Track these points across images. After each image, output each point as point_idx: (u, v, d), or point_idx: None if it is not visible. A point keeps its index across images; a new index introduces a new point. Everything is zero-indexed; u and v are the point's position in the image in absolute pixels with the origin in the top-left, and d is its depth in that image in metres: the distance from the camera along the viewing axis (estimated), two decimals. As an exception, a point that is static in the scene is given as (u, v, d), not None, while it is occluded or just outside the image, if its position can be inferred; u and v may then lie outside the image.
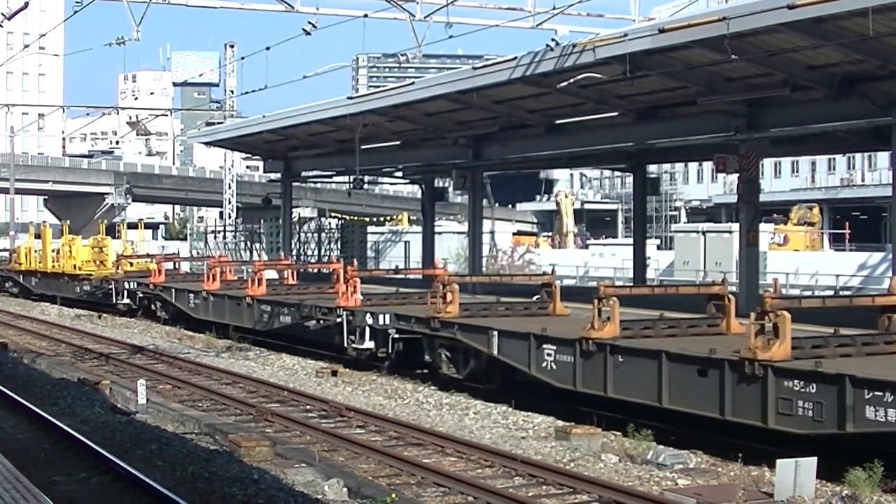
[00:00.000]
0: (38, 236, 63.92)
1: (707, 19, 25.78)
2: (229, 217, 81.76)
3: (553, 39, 30.29)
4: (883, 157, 79.19)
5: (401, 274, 47.94)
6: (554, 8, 29.95)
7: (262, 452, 18.42)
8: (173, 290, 43.83)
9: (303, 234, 74.22)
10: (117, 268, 51.25)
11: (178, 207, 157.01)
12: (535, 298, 29.38)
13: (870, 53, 25.98)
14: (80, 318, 47.53)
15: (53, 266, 58.46)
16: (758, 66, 28.18)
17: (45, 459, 18.02)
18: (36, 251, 62.02)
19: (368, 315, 29.55)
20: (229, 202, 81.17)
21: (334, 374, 29.24)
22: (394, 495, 15.56)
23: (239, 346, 35.54)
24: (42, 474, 16.41)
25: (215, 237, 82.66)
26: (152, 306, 45.93)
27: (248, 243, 74.82)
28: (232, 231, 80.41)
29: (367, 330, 29.46)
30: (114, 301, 48.29)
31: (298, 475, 16.94)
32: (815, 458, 16.22)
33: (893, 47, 25.55)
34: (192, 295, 41.87)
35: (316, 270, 53.24)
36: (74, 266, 56.05)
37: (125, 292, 47.92)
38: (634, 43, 27.70)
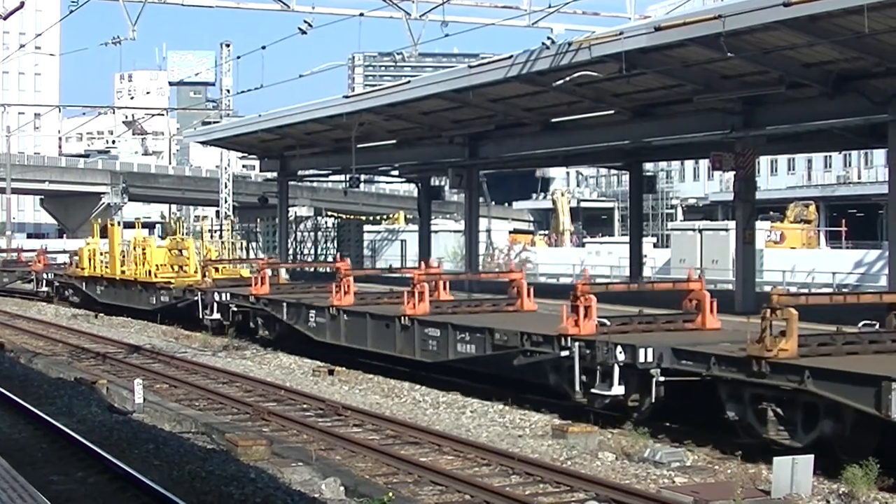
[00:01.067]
0: (103, 234, 54.26)
1: (703, 17, 25.79)
2: (226, 216, 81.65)
3: (549, 38, 30.26)
4: (879, 155, 79.23)
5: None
6: (549, 6, 29.94)
7: (258, 451, 18.43)
8: (284, 304, 34.42)
9: (299, 233, 74.17)
10: (204, 275, 42.31)
11: (174, 206, 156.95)
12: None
13: (865, 51, 25.99)
14: (76, 318, 47.49)
15: (123, 272, 48.91)
16: (754, 63, 28.19)
17: (42, 459, 18.01)
18: (102, 253, 51.99)
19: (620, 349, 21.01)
20: (226, 201, 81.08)
21: (331, 372, 29.23)
22: (391, 494, 15.57)
23: (235, 345, 35.50)
24: (39, 474, 16.41)
25: (212, 236, 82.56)
26: (251, 324, 36.96)
27: (245, 242, 74.68)
28: (228, 230, 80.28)
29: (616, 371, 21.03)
30: (200, 316, 39.88)
31: (295, 474, 16.94)
32: (811, 456, 16.24)
33: (889, 44, 25.55)
34: (313, 312, 32.68)
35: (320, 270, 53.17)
36: (149, 272, 46.86)
37: (214, 305, 39.18)
38: (630, 41, 27.69)
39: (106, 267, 50.47)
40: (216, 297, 38.93)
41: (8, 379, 26.98)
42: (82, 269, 52.49)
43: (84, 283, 52.51)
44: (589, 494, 16.04)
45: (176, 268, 46.77)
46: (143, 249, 48.01)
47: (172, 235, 54.08)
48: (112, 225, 51.72)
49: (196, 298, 40.05)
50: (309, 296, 35.03)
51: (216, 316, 38.86)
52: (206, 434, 20.68)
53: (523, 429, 21.56)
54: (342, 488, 16.13)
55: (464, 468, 18.17)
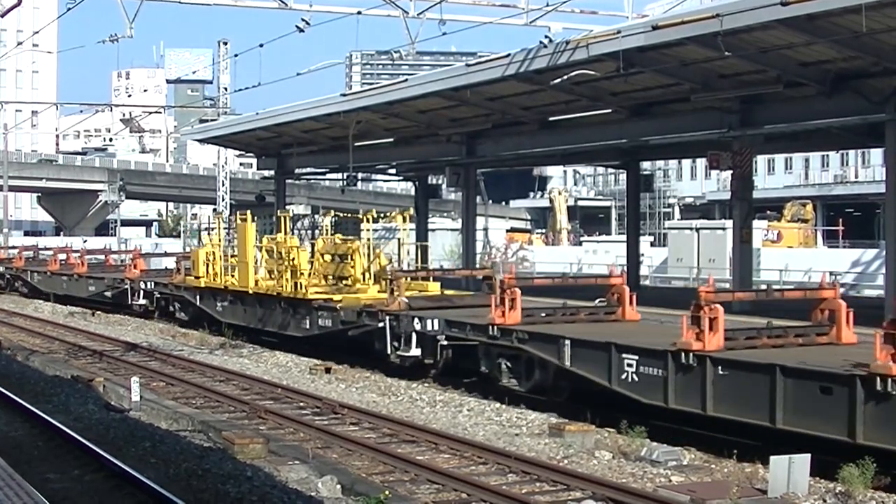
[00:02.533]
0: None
1: (700, 16, 25.82)
2: (223, 214, 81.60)
3: (546, 36, 30.27)
4: (876, 154, 79.28)
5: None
6: (547, 5, 29.95)
7: (255, 450, 18.42)
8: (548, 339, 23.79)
9: (296, 231, 74.12)
10: (392, 290, 29.31)
11: (171, 204, 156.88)
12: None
13: (863, 50, 26.02)
14: (73, 316, 47.43)
15: (259, 285, 36.18)
16: (751, 62, 28.21)
17: (38, 457, 18.01)
18: (231, 256, 39.62)
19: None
20: (223, 199, 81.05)
21: (328, 371, 29.22)
22: (387, 492, 15.56)
23: (232, 343, 35.48)
24: (36, 472, 16.41)
25: (209, 234, 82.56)
26: (485, 367, 25.66)
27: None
28: (226, 228, 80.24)
29: None
30: (388, 351, 28.43)
31: (292, 472, 16.94)
32: (808, 455, 16.24)
33: (887, 44, 25.57)
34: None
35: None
36: (298, 285, 33.53)
37: (414, 337, 27.52)
38: (628, 40, 27.71)
39: (233, 275, 37.93)
40: (416, 326, 27.31)
41: (5, 377, 26.98)
42: (196, 277, 40.08)
43: (198, 297, 40.31)
44: (586, 493, 16.04)
45: (335, 280, 35.48)
46: (289, 253, 34.27)
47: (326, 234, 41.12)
48: (244, 220, 37.13)
49: (381, 325, 28.57)
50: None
51: (415, 352, 27.39)
52: (202, 432, 20.67)
53: (520, 427, 21.57)
54: (339, 486, 16.12)
55: (460, 467, 18.16)
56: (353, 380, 28.14)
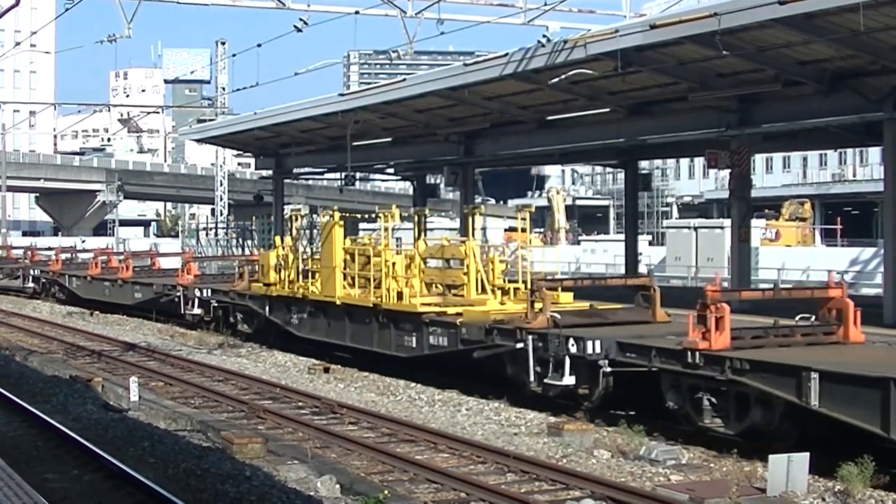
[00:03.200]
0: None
1: (698, 15, 25.84)
2: (221, 214, 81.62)
3: (544, 36, 30.30)
4: (874, 153, 79.41)
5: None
6: (545, 4, 29.98)
7: (254, 449, 18.41)
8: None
9: (294, 231, 74.03)
10: (533, 303, 23.76)
11: (169, 204, 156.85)
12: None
13: (861, 49, 26.05)
14: (71, 316, 47.41)
15: (348, 294, 30.29)
16: (749, 61, 28.24)
17: (37, 457, 18.00)
18: (307, 256, 33.58)
19: None
20: (221, 199, 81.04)
21: (326, 370, 29.21)
22: (386, 492, 15.55)
23: (231, 342, 35.45)
24: (34, 472, 16.39)
25: (206, 234, 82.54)
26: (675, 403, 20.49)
27: (240, 240, 74.65)
28: (224, 228, 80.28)
29: None
30: (529, 379, 23.19)
31: (291, 472, 16.94)
32: (807, 454, 16.24)
33: (885, 42, 25.60)
34: None
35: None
36: (400, 295, 28.24)
37: (567, 363, 22.25)
38: (626, 39, 27.75)
39: (312, 282, 32.19)
40: (571, 348, 22.03)
41: (3, 377, 26.97)
42: (266, 284, 34.53)
43: (268, 307, 34.92)
44: (584, 492, 16.03)
45: (444, 288, 29.67)
46: (389, 257, 28.82)
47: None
48: (332, 217, 30.95)
49: (520, 347, 23.23)
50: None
51: (568, 380, 22.21)
52: (201, 432, 20.66)
53: (519, 427, 21.56)
54: (338, 486, 16.12)
55: (459, 466, 18.15)
56: (351, 379, 28.13)
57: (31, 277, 58.23)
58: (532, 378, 22.88)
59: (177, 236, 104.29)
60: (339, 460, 18.70)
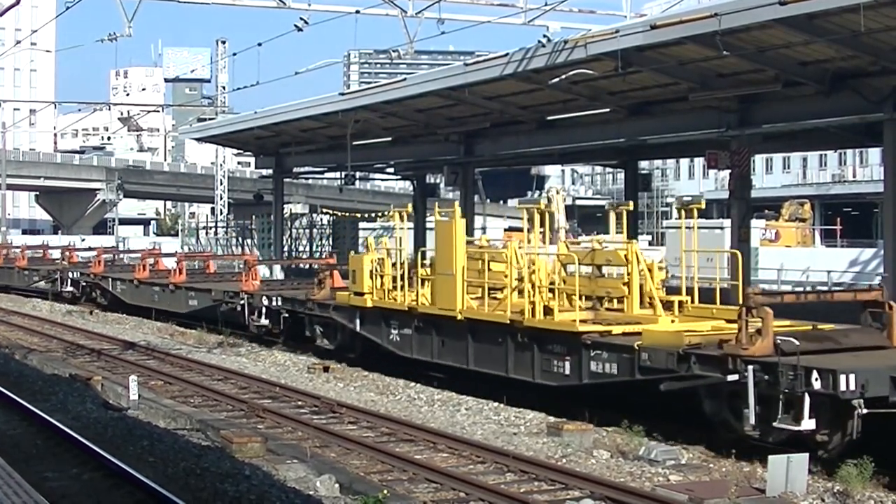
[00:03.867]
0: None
1: (699, 15, 25.83)
2: (221, 213, 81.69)
3: (545, 36, 30.30)
4: (874, 153, 79.36)
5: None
6: (546, 4, 29.99)
7: (253, 448, 18.41)
8: None
9: (294, 230, 74.21)
10: (745, 323, 18.48)
11: (169, 203, 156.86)
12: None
13: (861, 49, 26.04)
14: (71, 314, 47.39)
15: (472, 306, 25.41)
16: (749, 62, 28.23)
17: (36, 455, 18.00)
18: (421, 265, 27.56)
19: None
20: (221, 198, 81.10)
21: (326, 370, 29.19)
22: (385, 491, 15.55)
23: (230, 342, 35.44)
24: (34, 470, 16.39)
25: (206, 233, 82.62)
26: None
27: (240, 239, 74.74)
28: (223, 227, 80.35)
29: None
30: (750, 425, 17.95)
31: (290, 471, 16.93)
32: (806, 454, 16.24)
33: (885, 43, 25.60)
34: None
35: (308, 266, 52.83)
36: (547, 310, 22.86)
37: (807, 401, 17.16)
38: (626, 39, 27.75)
39: (420, 292, 26.89)
40: (815, 383, 16.87)
41: (3, 375, 26.97)
42: (359, 294, 28.91)
43: (360, 320, 29.31)
44: (584, 492, 16.03)
45: (589, 301, 24.56)
46: (538, 264, 23.96)
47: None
48: (451, 214, 26.09)
49: (736, 379, 18.19)
50: None
51: (806, 424, 17.15)
52: (200, 431, 20.66)
53: (518, 426, 21.55)
54: (337, 486, 16.12)
55: (459, 466, 18.15)
56: (351, 379, 28.12)
57: (69, 281, 52.58)
58: (752, 419, 17.71)
59: (176, 235, 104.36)
60: (339, 460, 18.69)
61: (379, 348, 28.88)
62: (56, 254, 61.63)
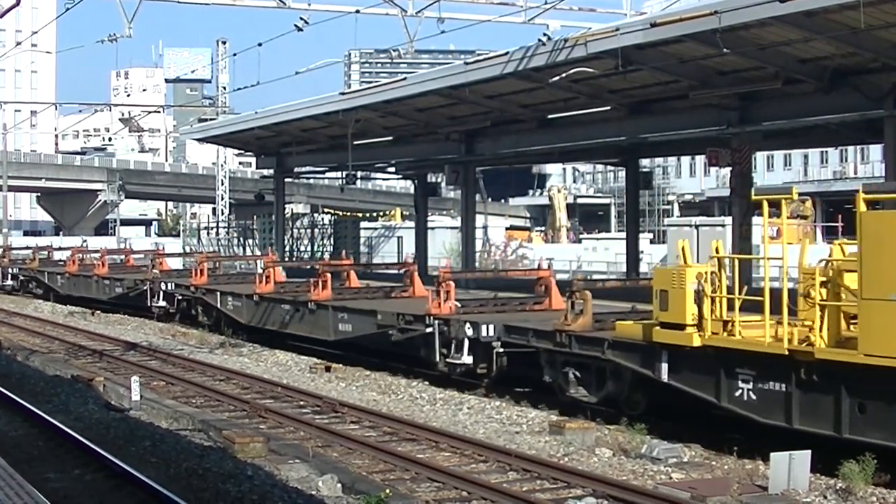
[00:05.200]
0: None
1: (699, 13, 25.81)
2: (222, 213, 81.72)
3: (545, 34, 30.30)
4: (875, 150, 79.34)
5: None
6: (546, 3, 30.00)
7: (255, 449, 18.41)
8: None
9: (296, 230, 74.24)
10: None
11: (170, 204, 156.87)
12: None
13: (861, 46, 26.02)
14: (73, 315, 47.39)
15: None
16: (749, 59, 28.22)
17: (39, 456, 18.02)
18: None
19: None
20: (222, 198, 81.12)
21: (328, 369, 29.21)
22: (388, 491, 15.56)
23: (232, 342, 35.45)
24: (36, 471, 16.41)
25: (208, 233, 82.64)
26: None
27: (241, 239, 74.76)
28: (225, 227, 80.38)
29: None
30: None
31: (292, 471, 16.94)
32: (808, 452, 16.24)
33: (885, 40, 25.58)
34: None
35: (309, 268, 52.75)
36: None
37: None
38: (626, 37, 27.74)
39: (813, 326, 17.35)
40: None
41: (5, 376, 26.97)
42: (674, 324, 19.48)
43: (669, 365, 19.99)
44: (586, 490, 16.04)
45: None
46: None
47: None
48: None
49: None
50: None
51: None
52: (202, 431, 20.67)
53: (520, 425, 21.56)
54: (339, 485, 16.12)
55: (461, 465, 18.16)
56: (352, 378, 28.13)
57: (161, 294, 42.55)
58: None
59: (178, 236, 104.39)
60: (341, 459, 18.70)
61: (708, 409, 19.78)
62: (138, 258, 55.45)
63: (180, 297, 41.53)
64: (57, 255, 63.50)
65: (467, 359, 25.20)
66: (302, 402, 24.46)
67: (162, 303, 42.24)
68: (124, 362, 31.61)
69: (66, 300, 52.23)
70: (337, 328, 31.29)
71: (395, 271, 40.04)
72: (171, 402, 24.70)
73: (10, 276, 61.49)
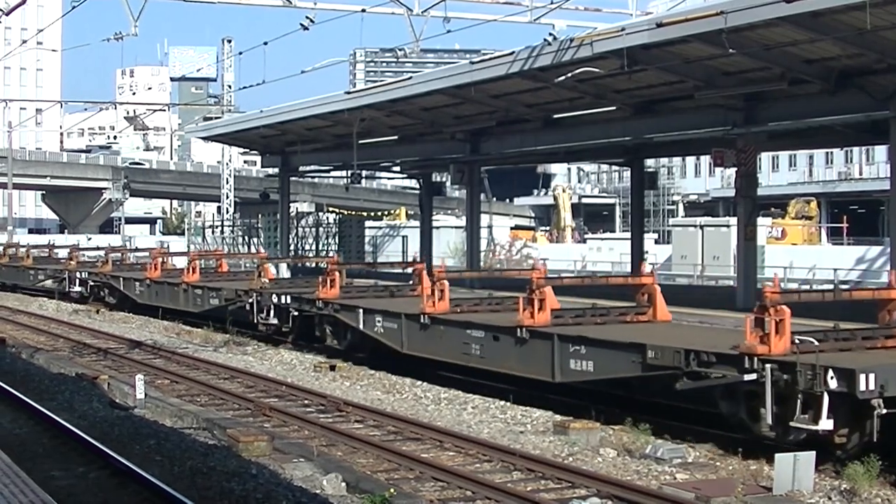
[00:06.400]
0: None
1: (704, 14, 25.80)
2: (227, 212, 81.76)
3: (551, 34, 30.28)
4: (880, 151, 79.32)
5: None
6: (552, 2, 29.96)
7: (260, 447, 18.42)
8: None
9: (300, 229, 74.26)
10: None
11: (175, 202, 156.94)
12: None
13: (867, 47, 26.01)
14: (77, 313, 47.39)
15: None
16: (755, 60, 28.20)
17: (43, 454, 18.02)
18: None
19: None
20: (227, 197, 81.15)
21: (332, 368, 29.19)
22: (392, 490, 15.56)
23: (236, 340, 35.42)
24: (40, 469, 16.40)
25: (213, 232, 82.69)
26: None
27: (246, 238, 74.80)
28: (230, 226, 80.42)
29: None
30: None
31: (297, 470, 16.94)
32: (813, 453, 16.22)
33: (891, 41, 25.56)
34: None
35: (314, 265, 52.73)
36: None
37: None
38: (632, 37, 27.73)
39: None
40: None
41: (9, 374, 26.99)
42: None
43: None
44: (590, 491, 16.03)
45: None
46: None
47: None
48: None
49: None
50: None
51: None
52: (207, 430, 20.68)
53: (525, 425, 21.55)
54: (343, 484, 16.12)
55: (465, 464, 18.15)
56: (357, 377, 28.11)
57: (271, 308, 34.14)
58: None
59: (183, 234, 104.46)
60: (345, 458, 18.70)
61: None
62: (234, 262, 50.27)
63: (296, 314, 33.43)
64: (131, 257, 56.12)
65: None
66: (306, 401, 24.46)
67: (273, 320, 34.27)
68: (129, 360, 31.62)
69: (147, 310, 44.53)
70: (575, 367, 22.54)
71: (400, 270, 39.80)
72: (176, 401, 24.69)
73: (77, 281, 51.98)
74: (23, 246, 66.40)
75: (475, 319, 25.80)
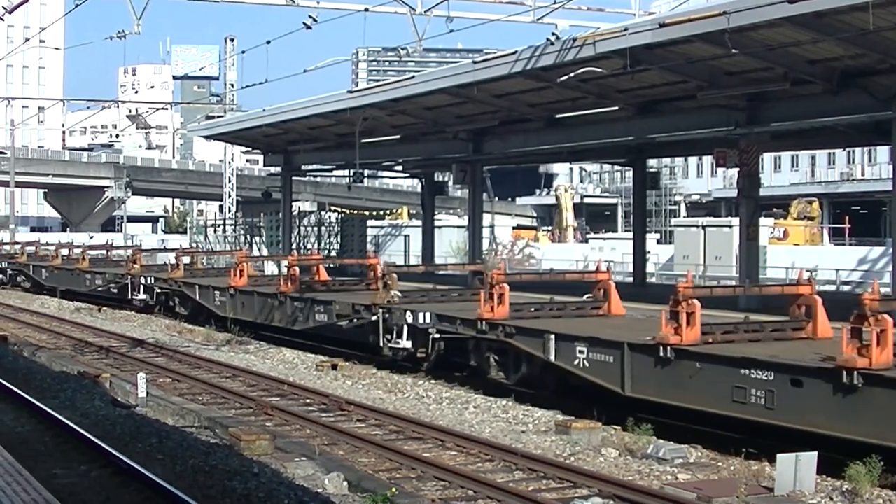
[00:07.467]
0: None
1: (707, 14, 25.81)
2: (229, 210, 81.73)
3: (553, 34, 30.28)
4: (883, 152, 79.29)
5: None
6: (555, 2, 29.99)
7: (262, 446, 18.43)
8: None
9: (302, 228, 74.23)
10: None
11: (177, 201, 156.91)
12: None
13: (870, 48, 26.02)
14: (79, 312, 47.41)
15: None
16: (758, 60, 28.21)
17: (45, 452, 18.03)
18: None
19: None
20: (229, 196, 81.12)
21: (334, 367, 29.20)
22: (394, 489, 15.57)
23: (238, 339, 35.44)
24: (42, 467, 16.42)
25: (215, 231, 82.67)
26: None
27: (248, 237, 74.76)
28: (232, 225, 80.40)
29: None
30: None
31: (298, 469, 16.94)
32: (815, 453, 16.23)
33: (894, 41, 25.57)
34: None
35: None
36: None
37: None
38: (635, 37, 27.74)
39: None
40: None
41: (11, 372, 26.99)
42: None
43: None
44: (592, 490, 16.04)
45: None
46: None
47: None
48: None
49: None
50: None
51: None
52: (209, 428, 20.69)
53: (526, 425, 21.56)
54: (345, 483, 16.13)
55: (467, 464, 18.16)
56: (359, 376, 28.13)
57: (403, 328, 27.90)
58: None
59: (185, 233, 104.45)
60: (347, 457, 18.71)
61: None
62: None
63: (437, 336, 27.30)
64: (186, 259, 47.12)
65: None
66: (308, 400, 24.46)
67: (406, 343, 28.03)
68: (131, 359, 31.63)
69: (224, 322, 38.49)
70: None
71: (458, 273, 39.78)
72: (178, 399, 24.70)
73: (142, 288, 45.14)
74: (77, 246, 58.41)
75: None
